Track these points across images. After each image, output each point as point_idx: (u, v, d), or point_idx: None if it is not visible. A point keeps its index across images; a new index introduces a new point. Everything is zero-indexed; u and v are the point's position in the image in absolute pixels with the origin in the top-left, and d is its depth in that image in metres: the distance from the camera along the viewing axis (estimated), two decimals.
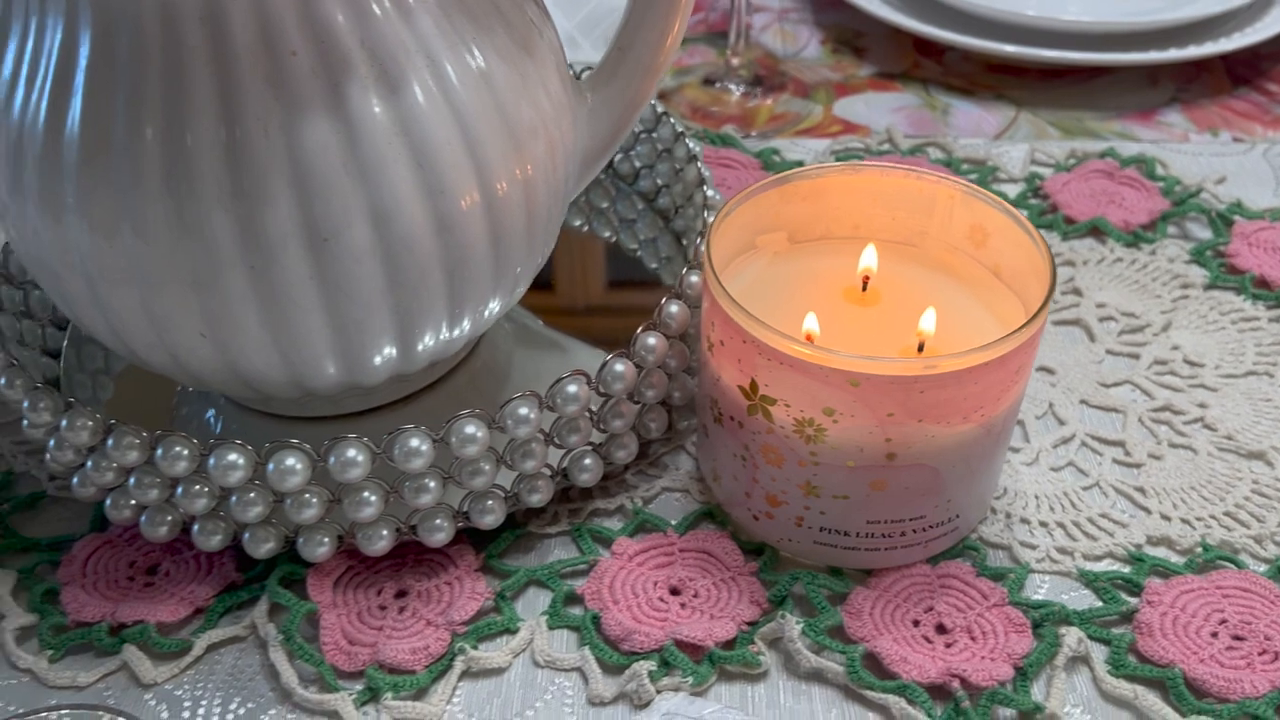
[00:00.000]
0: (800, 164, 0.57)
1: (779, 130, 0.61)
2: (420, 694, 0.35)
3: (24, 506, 0.41)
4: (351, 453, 0.35)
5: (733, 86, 0.64)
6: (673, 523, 0.40)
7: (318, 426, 0.41)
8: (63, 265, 0.33)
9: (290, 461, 0.34)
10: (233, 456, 0.34)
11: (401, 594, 0.37)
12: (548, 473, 0.38)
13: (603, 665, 0.35)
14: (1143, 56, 0.62)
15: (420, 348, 0.37)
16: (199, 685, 0.35)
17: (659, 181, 0.52)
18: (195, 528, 0.37)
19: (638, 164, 0.53)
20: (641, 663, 0.35)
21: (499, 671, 0.36)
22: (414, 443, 0.35)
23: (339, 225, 0.32)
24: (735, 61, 0.63)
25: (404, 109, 0.32)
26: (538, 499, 0.38)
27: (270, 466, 0.35)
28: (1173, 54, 0.62)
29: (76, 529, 0.40)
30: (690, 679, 0.35)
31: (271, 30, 0.30)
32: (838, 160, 0.58)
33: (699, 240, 0.42)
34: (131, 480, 0.36)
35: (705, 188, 0.46)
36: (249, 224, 0.31)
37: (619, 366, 0.38)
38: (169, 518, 0.37)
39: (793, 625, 0.35)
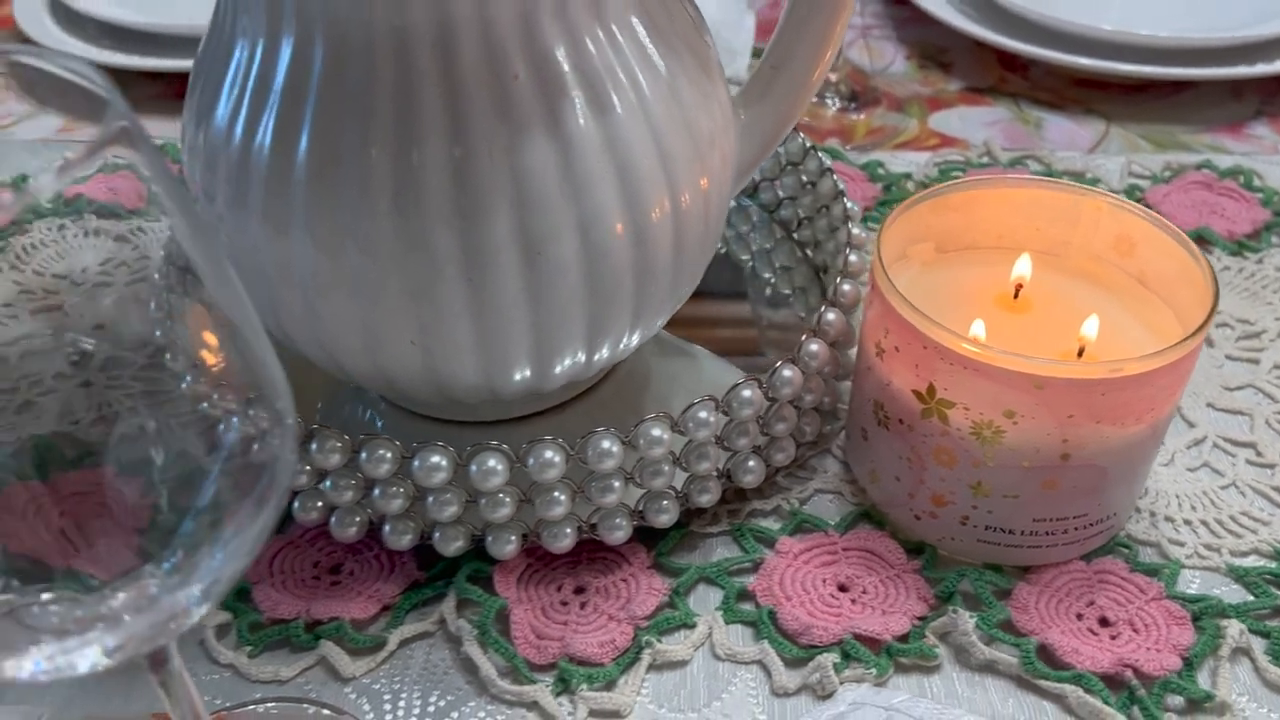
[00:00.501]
0: (907, 176, 0.59)
1: (878, 144, 0.63)
2: (609, 686, 0.37)
3: None
4: (549, 454, 0.36)
5: (829, 101, 0.65)
6: (831, 522, 0.41)
7: (462, 428, 0.43)
8: (281, 278, 0.35)
9: (492, 463, 0.36)
10: (436, 459, 0.36)
11: (580, 590, 0.39)
12: (715, 474, 0.40)
13: (783, 658, 0.37)
14: (1229, 71, 0.64)
15: (597, 356, 0.38)
16: (395, 679, 0.37)
17: (800, 214, 0.52)
18: (387, 528, 0.38)
19: (781, 194, 0.53)
20: (825, 655, 0.36)
21: (682, 664, 0.37)
22: (605, 444, 0.37)
23: (550, 238, 0.34)
24: (833, 77, 0.65)
25: (611, 127, 0.34)
26: (707, 499, 0.40)
27: (473, 468, 0.36)
28: (1260, 69, 0.64)
29: None
30: (873, 670, 0.36)
31: (496, 56, 0.32)
32: (941, 173, 0.59)
33: (848, 251, 0.44)
34: (328, 483, 0.38)
35: (850, 224, 0.47)
36: (470, 239, 0.33)
37: (787, 372, 0.39)
38: (358, 518, 0.38)
39: (966, 619, 0.37)
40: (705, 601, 0.39)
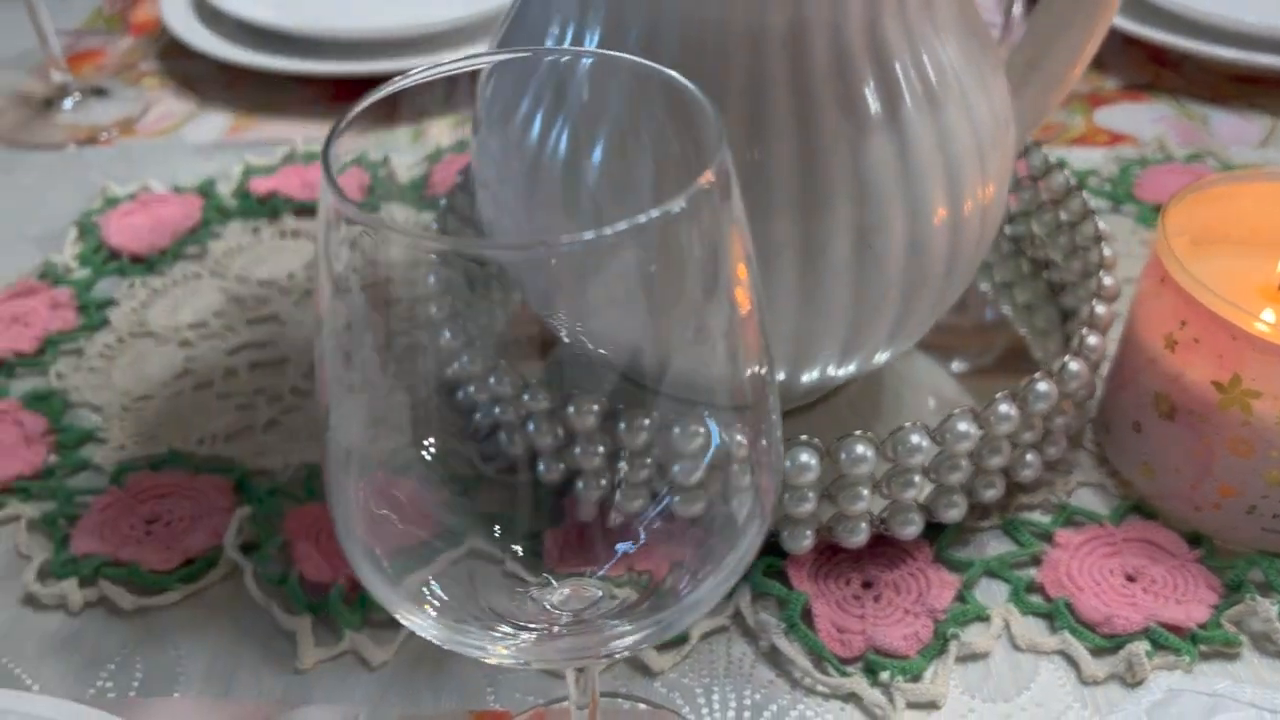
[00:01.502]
0: (1093, 173, 0.59)
1: (1049, 140, 0.63)
2: (917, 678, 0.37)
3: None
4: (860, 449, 0.37)
5: None
6: (1103, 515, 0.42)
7: None
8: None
9: (805, 458, 0.36)
10: (805, 457, 0.36)
11: (868, 584, 0.39)
12: (1002, 469, 0.40)
13: (1086, 647, 0.37)
14: None
15: (892, 350, 0.39)
16: (703, 674, 0.37)
17: (1053, 255, 0.50)
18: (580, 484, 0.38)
19: (1036, 229, 0.51)
20: (1137, 643, 0.37)
21: (983, 656, 0.38)
22: (914, 439, 0.37)
23: (879, 230, 0.34)
24: None
25: (942, 124, 0.34)
26: (992, 494, 0.40)
27: (788, 464, 0.37)
28: None
29: None
30: (1185, 658, 0.37)
31: (844, 55, 0.32)
32: (1121, 170, 0.60)
33: (1102, 274, 0.44)
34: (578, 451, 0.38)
35: (1104, 245, 0.45)
36: (808, 231, 0.33)
37: (1042, 386, 0.39)
38: None
39: (1267, 606, 0.37)
40: (990, 594, 0.40)
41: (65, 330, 0.51)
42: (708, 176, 0.20)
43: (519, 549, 0.27)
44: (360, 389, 0.23)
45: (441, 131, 0.67)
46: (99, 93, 0.69)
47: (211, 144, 0.65)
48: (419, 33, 0.70)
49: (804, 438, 0.37)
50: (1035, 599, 0.39)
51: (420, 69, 0.25)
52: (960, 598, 0.39)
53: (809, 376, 0.39)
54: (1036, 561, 0.40)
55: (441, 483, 0.26)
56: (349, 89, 0.70)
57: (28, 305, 0.52)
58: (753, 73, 0.32)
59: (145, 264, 0.55)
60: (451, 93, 0.25)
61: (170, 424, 0.46)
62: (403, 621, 0.25)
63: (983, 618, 0.39)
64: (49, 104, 0.68)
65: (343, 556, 0.40)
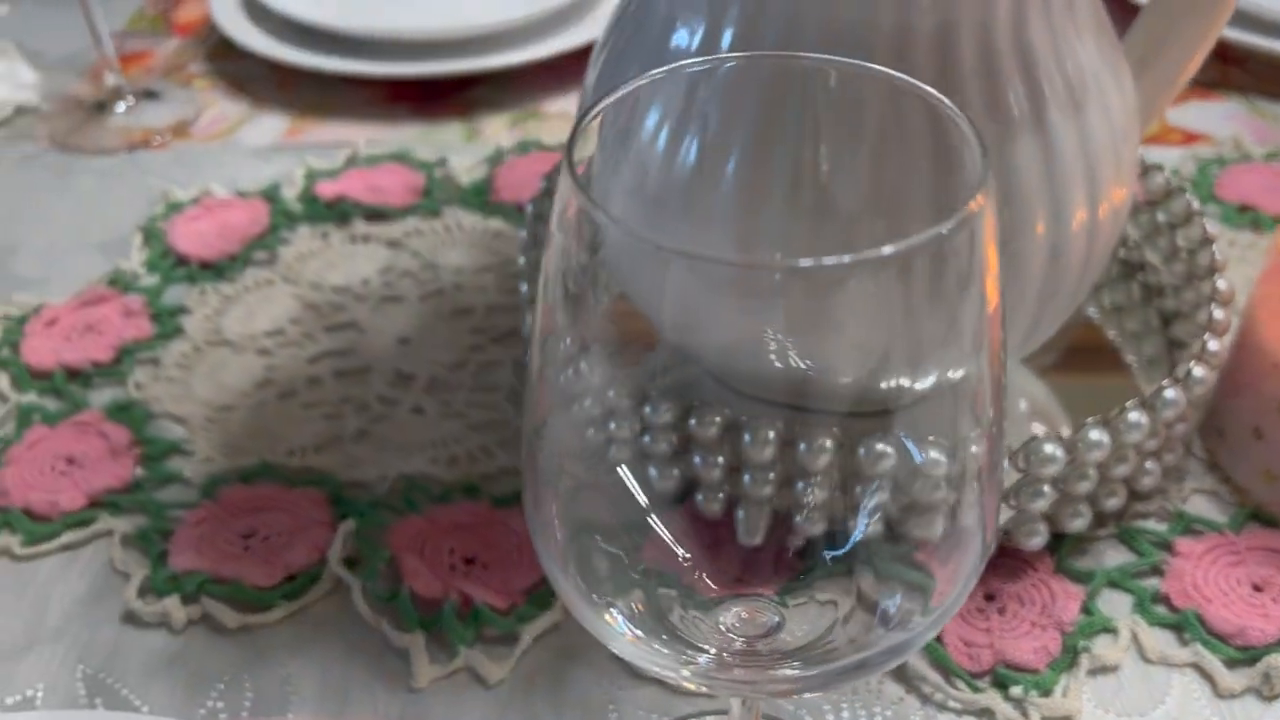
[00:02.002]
0: (1176, 172, 0.59)
1: None
2: (1047, 692, 0.36)
3: None
4: (1047, 448, 0.36)
5: None
6: (1223, 522, 0.41)
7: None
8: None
9: (764, 433, 0.35)
10: (766, 433, 0.35)
11: (990, 597, 0.39)
12: (1123, 479, 0.39)
13: (1220, 660, 0.37)
14: None
15: (1013, 357, 0.38)
16: (831, 692, 0.36)
17: (1150, 258, 0.49)
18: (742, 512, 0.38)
19: (1132, 232, 0.50)
20: (1274, 655, 0.36)
21: (1114, 669, 0.37)
22: (1048, 449, 0.36)
23: (1019, 232, 0.33)
24: None
25: (1083, 125, 0.33)
26: (1114, 503, 0.39)
27: (746, 437, 0.36)
28: None
29: None
30: None
31: (990, 56, 0.32)
32: (1200, 169, 0.59)
33: (1216, 278, 0.43)
34: (748, 478, 0.37)
35: (1218, 278, 0.43)
36: None
37: (1170, 393, 0.38)
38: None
39: None
40: (1113, 605, 0.39)
41: (141, 339, 0.50)
42: (979, 201, 0.19)
43: (713, 570, 0.26)
44: (580, 399, 0.22)
45: (497, 130, 0.66)
46: (150, 95, 0.68)
47: (270, 147, 0.64)
48: (476, 33, 0.69)
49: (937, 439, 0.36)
50: (1161, 610, 0.38)
51: (659, 70, 0.23)
52: (1085, 609, 0.38)
53: (923, 382, 0.38)
54: (1158, 571, 0.40)
55: (642, 499, 0.25)
56: (404, 90, 0.69)
57: (100, 313, 0.51)
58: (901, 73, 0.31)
59: (215, 270, 0.54)
60: (692, 93, 0.24)
61: (257, 435, 0.45)
62: (601, 638, 0.25)
63: (1110, 629, 0.38)
64: (101, 107, 0.66)
65: (452, 571, 0.39)
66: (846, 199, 0.29)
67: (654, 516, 0.26)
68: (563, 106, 0.67)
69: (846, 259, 0.19)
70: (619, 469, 0.25)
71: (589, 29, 0.71)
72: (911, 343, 0.22)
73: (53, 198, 0.60)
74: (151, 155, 0.64)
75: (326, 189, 0.59)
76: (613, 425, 0.24)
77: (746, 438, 0.27)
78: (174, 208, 0.58)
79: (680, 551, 0.26)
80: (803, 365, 0.24)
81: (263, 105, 0.68)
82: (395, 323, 0.51)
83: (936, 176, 0.25)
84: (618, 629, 0.24)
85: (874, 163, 0.28)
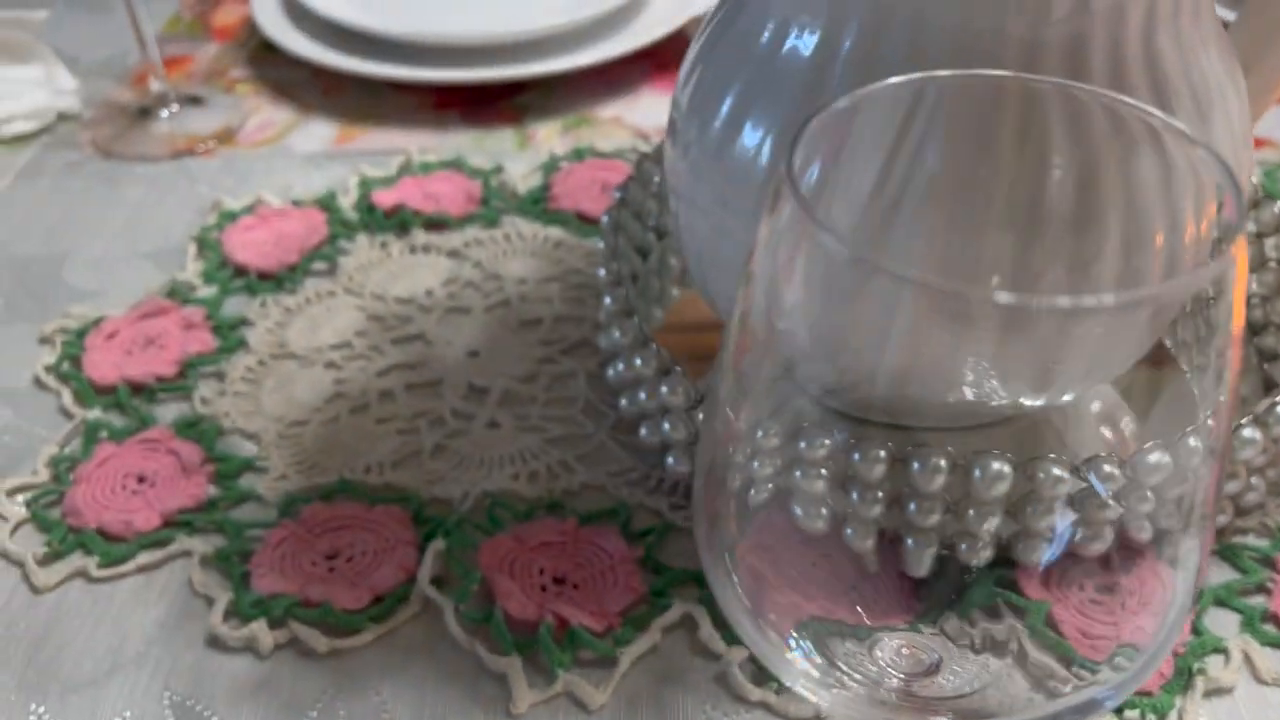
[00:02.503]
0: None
1: None
2: (1163, 715, 0.35)
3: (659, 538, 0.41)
4: (1154, 456, 0.35)
5: None
6: None
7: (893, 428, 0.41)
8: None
9: (935, 461, 0.35)
10: (937, 460, 0.35)
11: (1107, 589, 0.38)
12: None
13: None
14: None
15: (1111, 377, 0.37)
16: None
17: (1253, 290, 0.46)
18: (910, 542, 0.37)
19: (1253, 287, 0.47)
20: None
21: (1228, 690, 0.36)
22: (1154, 458, 0.35)
23: (1140, 247, 0.32)
24: None
25: (1209, 136, 0.33)
26: (1223, 520, 0.39)
27: (916, 466, 0.35)
28: None
29: None
30: None
31: (1120, 66, 0.31)
32: (1266, 175, 0.58)
33: None
34: (857, 495, 0.36)
35: None
36: (1078, 248, 0.32)
37: None
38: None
39: None
40: (1220, 624, 0.38)
41: (204, 353, 0.49)
42: (1240, 248, 0.18)
43: (873, 602, 0.25)
44: (777, 423, 0.21)
45: (549, 137, 0.65)
46: (195, 101, 0.67)
47: (320, 154, 0.63)
48: (526, 38, 0.68)
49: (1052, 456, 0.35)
50: (1270, 629, 0.38)
51: (871, 89, 0.22)
52: (1195, 629, 0.38)
53: (1000, 401, 0.38)
54: (1262, 589, 0.39)
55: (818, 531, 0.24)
56: (452, 96, 0.68)
57: (159, 326, 0.50)
58: (1028, 84, 0.30)
59: (274, 281, 0.53)
60: (910, 111, 0.23)
61: (332, 451, 0.44)
62: (779, 674, 0.24)
63: (1220, 649, 0.37)
64: (145, 113, 0.65)
65: (543, 592, 0.38)
66: (1063, 222, 0.28)
67: (825, 550, 0.25)
68: (614, 112, 0.66)
69: (1109, 298, 0.18)
70: (790, 504, 0.24)
71: (639, 34, 0.70)
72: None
73: (102, 206, 0.59)
74: (199, 162, 0.63)
75: (383, 198, 0.58)
76: (778, 461, 0.23)
77: (916, 466, 0.26)
78: (228, 217, 0.57)
79: (844, 583, 0.25)
80: (998, 393, 0.23)
81: (309, 111, 0.67)
82: (463, 335, 0.50)
83: (1161, 202, 0.25)
84: (798, 665, 0.23)
85: (1093, 187, 0.27)
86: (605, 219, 0.47)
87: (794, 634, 0.24)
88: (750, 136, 0.34)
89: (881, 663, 0.25)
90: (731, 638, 0.37)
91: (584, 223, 0.57)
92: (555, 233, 0.56)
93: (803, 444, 0.25)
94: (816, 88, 0.33)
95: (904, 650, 0.25)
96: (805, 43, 0.33)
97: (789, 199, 0.19)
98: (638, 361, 0.40)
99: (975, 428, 0.43)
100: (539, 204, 0.58)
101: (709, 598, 0.38)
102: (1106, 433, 0.44)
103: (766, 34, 0.34)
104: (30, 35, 0.70)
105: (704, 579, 0.39)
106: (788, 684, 0.23)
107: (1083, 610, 0.25)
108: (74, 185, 0.61)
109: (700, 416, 0.39)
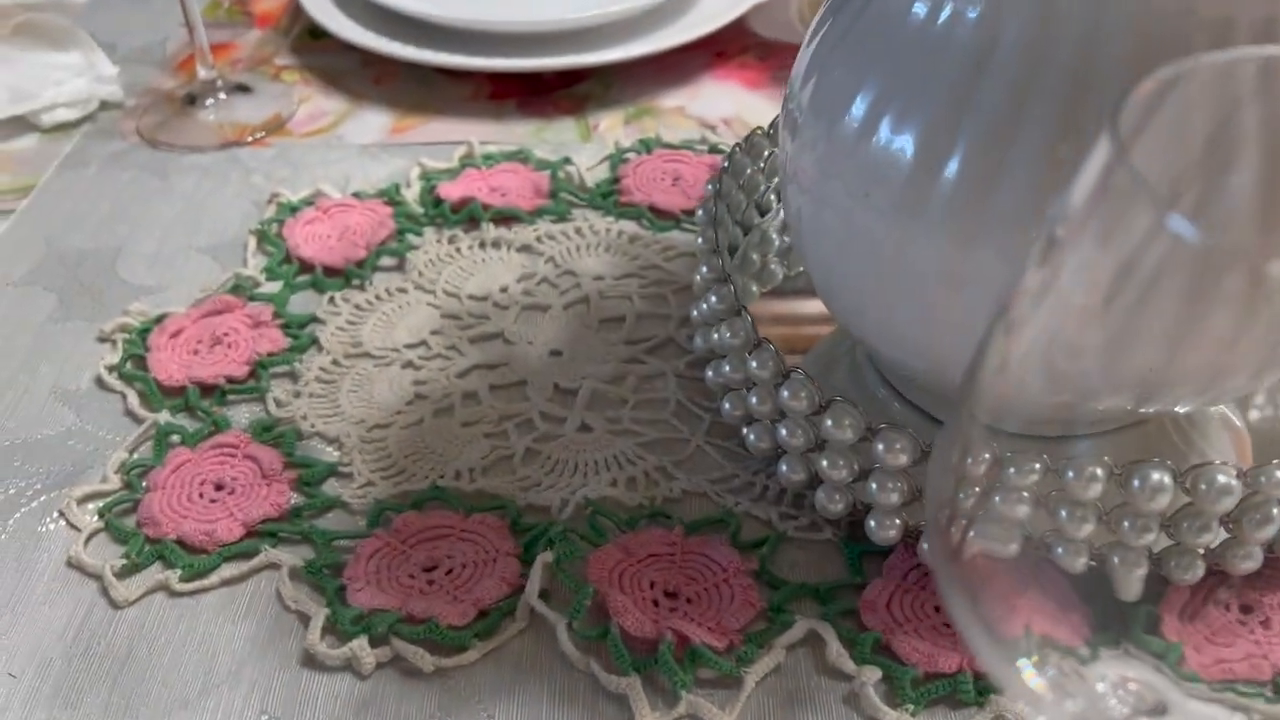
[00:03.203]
0: None
1: None
2: None
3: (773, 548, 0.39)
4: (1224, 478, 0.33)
5: None
6: None
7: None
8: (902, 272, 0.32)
9: (1156, 477, 0.33)
10: (1159, 476, 0.33)
11: (1247, 609, 0.36)
12: None
13: None
14: None
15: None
16: None
17: None
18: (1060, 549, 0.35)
19: None
20: None
21: None
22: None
23: None
24: None
25: None
26: None
27: (1136, 483, 0.33)
28: None
29: (831, 573, 0.38)
30: None
31: None
32: None
33: None
34: (1023, 509, 0.34)
35: None
36: (1268, 244, 0.30)
37: None
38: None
39: None
40: None
41: (275, 352, 0.47)
42: None
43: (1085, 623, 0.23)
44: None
45: (613, 127, 0.63)
46: (242, 89, 0.64)
47: (376, 145, 0.61)
48: (586, 24, 0.66)
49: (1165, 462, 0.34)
50: None
51: (1207, 57, 0.20)
52: None
53: (1149, 407, 0.36)
54: None
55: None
56: (508, 85, 0.66)
57: (226, 324, 0.48)
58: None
59: (342, 277, 0.51)
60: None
61: (418, 456, 0.42)
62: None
63: None
64: (191, 101, 0.63)
65: (656, 607, 0.36)
66: None
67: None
68: (677, 102, 0.64)
69: None
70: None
71: (697, 23, 0.68)
72: None
73: (153, 198, 0.57)
74: (250, 152, 0.60)
75: (449, 190, 0.55)
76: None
77: (1136, 484, 0.24)
78: (288, 209, 0.55)
79: (1071, 603, 0.23)
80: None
81: (362, 100, 0.65)
82: (543, 333, 0.48)
83: None
84: (1030, 683, 0.21)
85: None
86: (701, 213, 0.45)
87: (1024, 651, 0.22)
88: (895, 129, 0.32)
89: (1108, 690, 0.23)
90: (863, 656, 0.35)
91: (658, 216, 0.54)
92: (628, 227, 0.54)
93: (1011, 470, 0.23)
94: (975, 74, 0.31)
95: (1130, 685, 0.23)
96: (963, 26, 0.31)
97: (1140, 204, 0.17)
98: (728, 334, 0.39)
99: (1106, 433, 0.41)
100: (609, 197, 0.56)
101: (833, 612, 0.36)
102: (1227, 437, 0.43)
103: (914, 19, 0.32)
104: (69, 20, 0.67)
105: (825, 594, 0.37)
106: (1019, 703, 0.21)
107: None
108: (121, 176, 0.59)
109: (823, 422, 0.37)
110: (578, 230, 0.54)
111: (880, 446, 0.35)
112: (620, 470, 0.42)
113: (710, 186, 0.45)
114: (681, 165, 0.57)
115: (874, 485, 0.35)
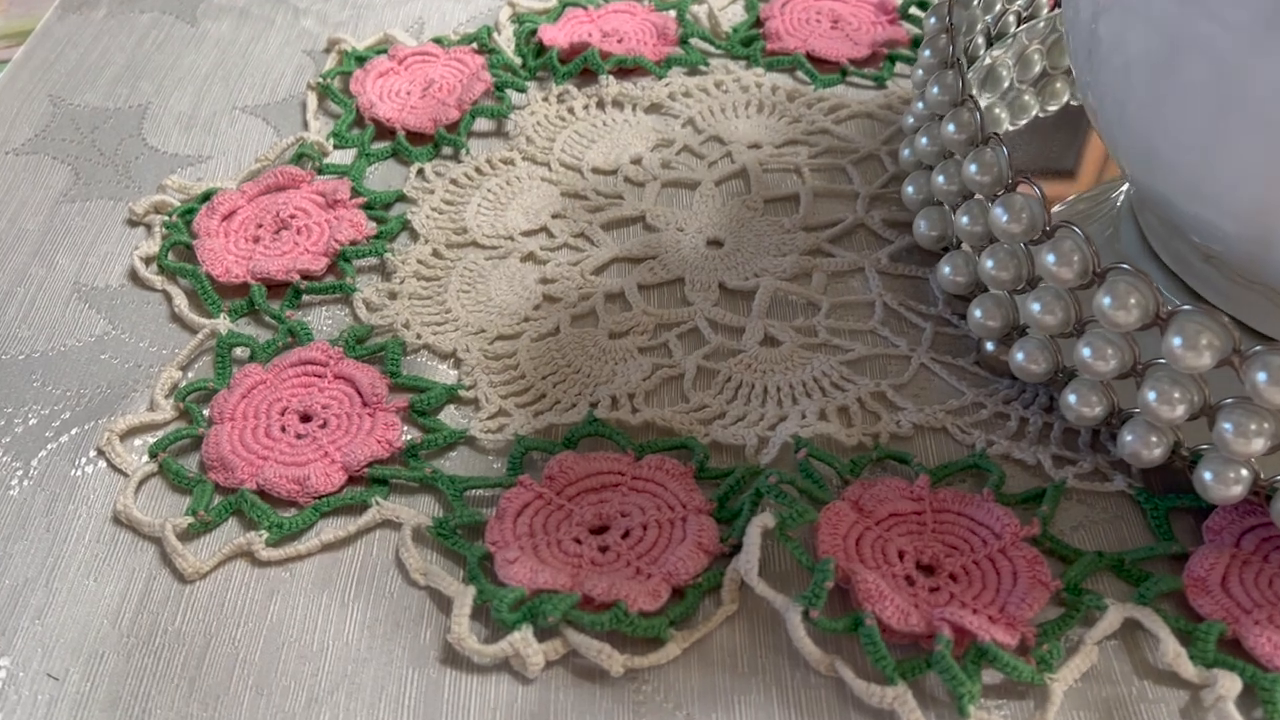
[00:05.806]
0: None
1: None
2: None
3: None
4: None
5: None
6: None
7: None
8: None
9: None
10: None
11: None
12: None
13: None
14: None
15: None
16: None
17: None
18: None
19: None
20: None
21: None
22: None
23: None
24: None
25: None
26: None
27: None
28: None
29: (1129, 538, 0.29)
30: None
31: None
32: None
33: None
34: None
35: None
36: None
37: None
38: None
39: None
40: None
41: (358, 240, 0.37)
42: None
43: None
44: None
45: None
46: None
47: None
48: None
49: None
50: None
51: None
52: None
53: None
54: None
55: None
56: None
57: (292, 203, 0.37)
58: None
59: (431, 144, 0.40)
60: None
61: (559, 378, 0.33)
62: None
63: None
64: None
65: (912, 586, 0.27)
66: None
67: None
68: None
69: None
70: None
71: None
72: None
73: (181, 46, 0.46)
74: None
75: (553, 35, 0.44)
76: None
77: None
78: (354, 60, 0.44)
79: None
80: None
81: None
82: (695, 218, 0.38)
83: None
84: None
85: None
86: (919, 72, 0.34)
87: None
88: None
89: None
90: (1207, 655, 0.26)
91: (819, 66, 0.44)
92: (783, 81, 0.43)
93: None
94: None
95: None
96: None
97: None
98: (951, 128, 0.29)
99: None
100: (752, 44, 0.45)
101: (1150, 593, 0.27)
102: None
103: None
104: None
105: (1132, 568, 0.28)
106: None
107: None
108: (139, 20, 0.47)
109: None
110: (719, 85, 0.43)
111: (1177, 341, 0.25)
112: (825, 398, 0.32)
113: (920, 72, 0.34)
114: (840, 3, 0.46)
115: (1227, 425, 0.26)
